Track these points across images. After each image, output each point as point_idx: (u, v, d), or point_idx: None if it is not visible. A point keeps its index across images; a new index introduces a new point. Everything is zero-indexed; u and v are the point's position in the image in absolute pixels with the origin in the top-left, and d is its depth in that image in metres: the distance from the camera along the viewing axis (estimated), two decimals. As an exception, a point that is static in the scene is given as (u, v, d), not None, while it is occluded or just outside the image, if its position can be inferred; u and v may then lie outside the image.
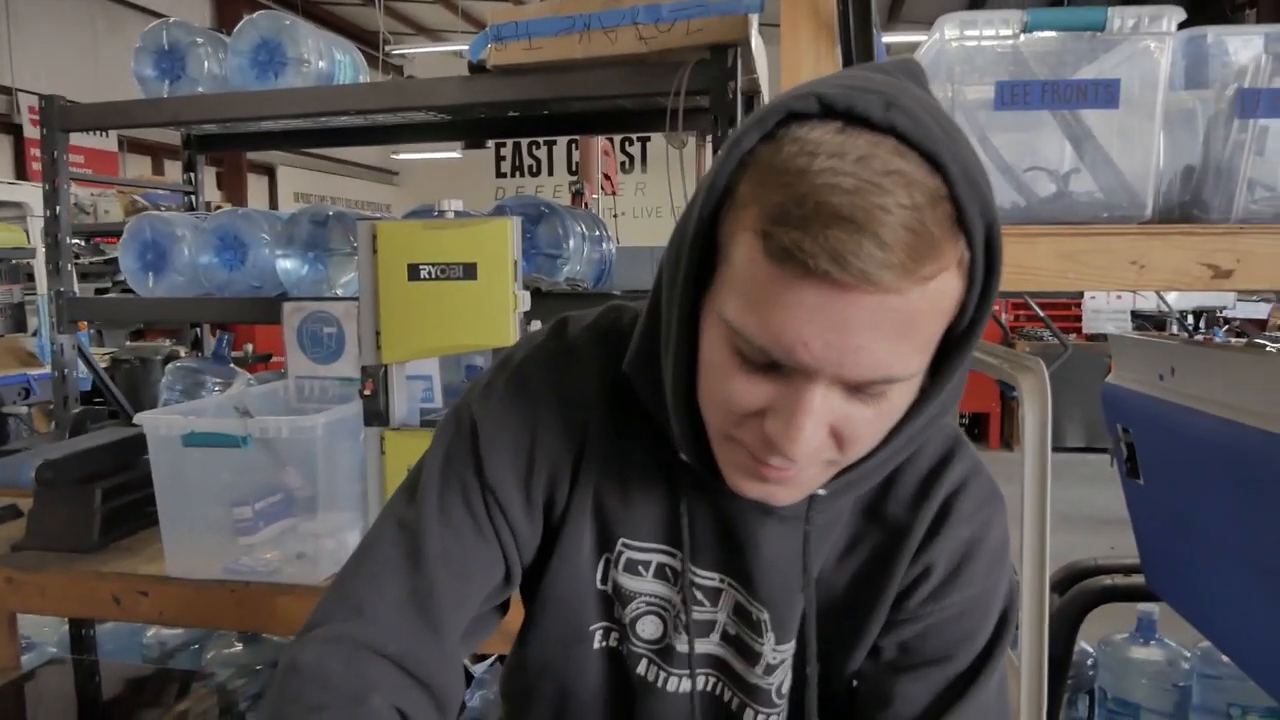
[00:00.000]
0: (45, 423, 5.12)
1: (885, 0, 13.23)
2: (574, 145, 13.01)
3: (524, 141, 17.20)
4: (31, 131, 10.70)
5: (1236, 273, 1.48)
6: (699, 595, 1.09)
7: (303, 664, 0.98)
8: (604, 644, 1.14)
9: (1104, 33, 1.49)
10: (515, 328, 1.94)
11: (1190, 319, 7.71)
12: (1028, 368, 1.64)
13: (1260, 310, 8.05)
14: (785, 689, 1.12)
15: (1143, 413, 2.20)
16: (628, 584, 1.10)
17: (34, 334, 6.36)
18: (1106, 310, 9.08)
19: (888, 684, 1.08)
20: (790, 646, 1.10)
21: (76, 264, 6.47)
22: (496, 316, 1.93)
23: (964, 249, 0.79)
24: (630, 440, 1.07)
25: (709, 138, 2.44)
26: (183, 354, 4.25)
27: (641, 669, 1.13)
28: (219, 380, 3.20)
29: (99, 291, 6.97)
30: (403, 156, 17.90)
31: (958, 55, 1.53)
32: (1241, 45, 1.49)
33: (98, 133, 10.94)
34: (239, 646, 3.03)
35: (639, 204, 14.62)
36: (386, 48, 12.96)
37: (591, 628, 1.13)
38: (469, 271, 1.92)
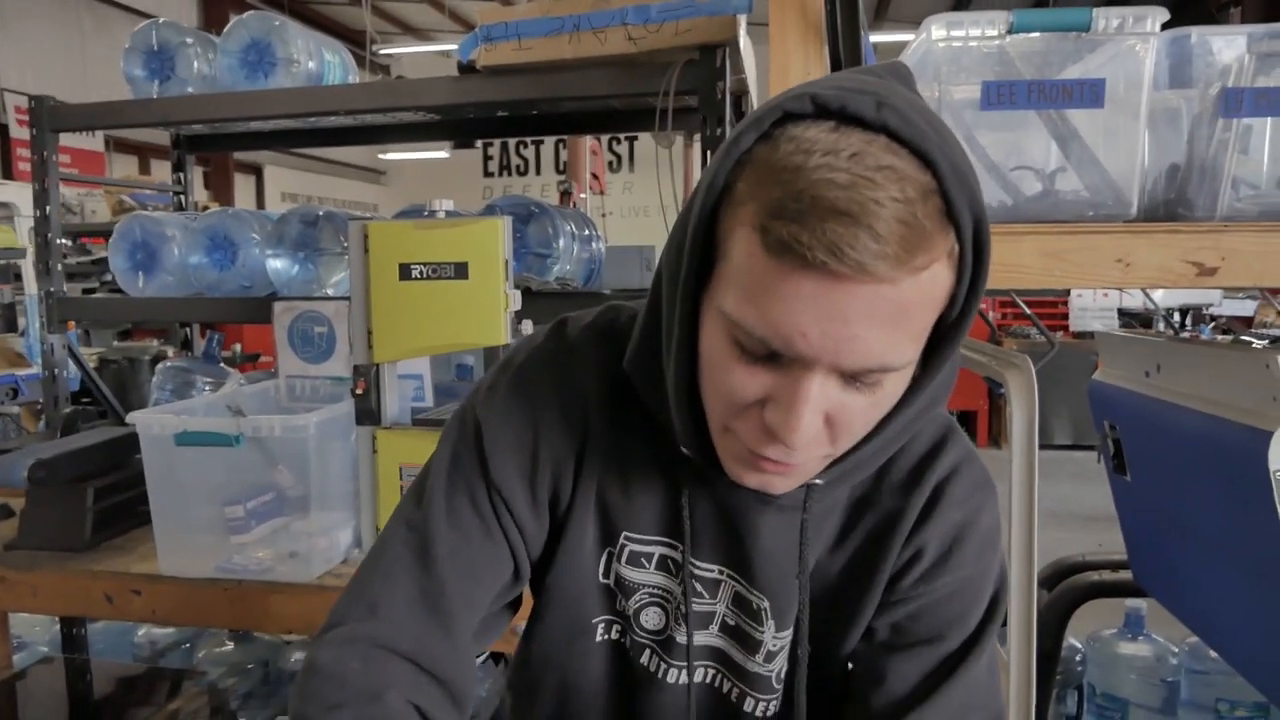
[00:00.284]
0: (33, 422, 5.10)
1: (870, 1, 13.24)
2: (562, 145, 13.02)
3: (512, 141, 17.15)
4: (18, 131, 10.65)
5: (1221, 270, 1.49)
6: (698, 587, 1.11)
7: (321, 664, 1.01)
8: (606, 637, 1.17)
9: (1089, 33, 1.51)
10: (506, 327, 1.95)
11: (1176, 317, 7.72)
12: (1015, 365, 1.66)
13: (1246, 308, 8.07)
14: (783, 674, 1.15)
15: (1129, 409, 2.21)
16: (631, 576, 1.12)
17: (22, 334, 6.34)
18: (1093, 308, 9.09)
19: (881, 663, 1.10)
20: (789, 633, 1.12)
21: (64, 264, 6.45)
22: (488, 316, 1.94)
23: (953, 241, 0.82)
24: (631, 436, 1.09)
25: (697, 137, 2.45)
26: (171, 354, 4.25)
27: (644, 659, 1.16)
28: (209, 380, 3.21)
29: (86, 292, 6.94)
30: (390, 156, 17.84)
31: (944, 55, 1.54)
32: (1225, 45, 1.50)
33: (85, 133, 10.91)
34: (230, 645, 3.03)
35: (626, 203, 14.62)
36: (374, 48, 12.93)
37: (594, 620, 1.15)
38: (460, 271, 1.93)
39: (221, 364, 3.44)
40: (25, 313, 6.44)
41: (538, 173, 17.48)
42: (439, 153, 14.05)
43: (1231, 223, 1.50)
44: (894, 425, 0.94)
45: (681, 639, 1.13)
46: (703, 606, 1.13)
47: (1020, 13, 1.52)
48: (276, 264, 2.82)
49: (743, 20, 2.32)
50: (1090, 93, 1.50)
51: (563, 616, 1.15)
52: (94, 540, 2.23)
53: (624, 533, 1.11)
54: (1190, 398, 1.92)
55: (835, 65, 1.62)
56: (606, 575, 1.13)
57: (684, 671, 1.15)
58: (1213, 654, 2.62)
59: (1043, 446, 1.73)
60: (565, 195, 5.60)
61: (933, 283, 0.82)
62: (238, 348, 6.37)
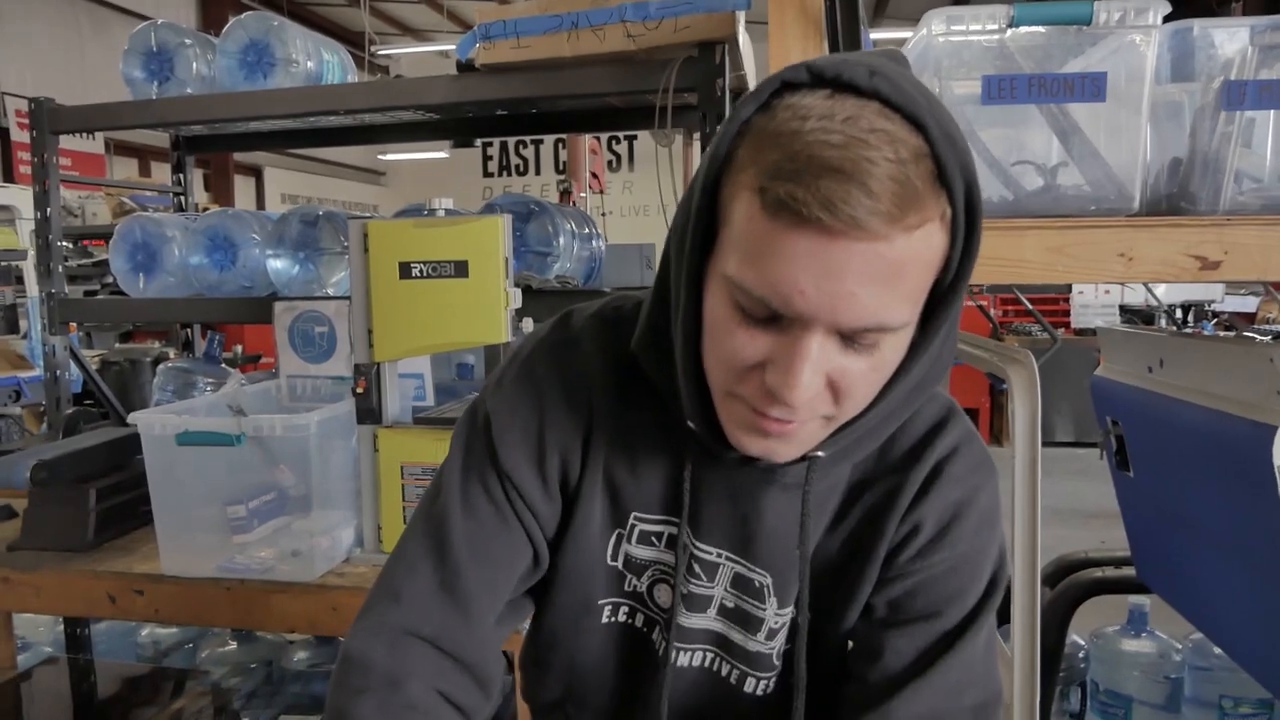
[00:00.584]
0: (36, 424, 5.11)
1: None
2: (561, 144, 13.01)
3: (511, 141, 17.14)
4: (18, 134, 10.63)
5: (1224, 264, 1.49)
6: (696, 568, 1.13)
7: (350, 652, 1.07)
8: (612, 619, 1.18)
9: (1090, 26, 1.50)
10: (507, 325, 1.95)
11: (1179, 313, 7.72)
12: (1017, 361, 1.65)
13: (1248, 304, 8.06)
14: (783, 651, 1.16)
15: (1132, 405, 2.20)
16: (642, 554, 1.15)
17: (24, 336, 6.34)
18: (1095, 305, 9.10)
19: (878, 639, 1.11)
20: (790, 610, 1.13)
21: (65, 266, 6.45)
22: (488, 314, 1.94)
23: (946, 204, 0.85)
24: (637, 417, 1.11)
25: (696, 135, 2.45)
26: (172, 355, 4.25)
27: (656, 636, 1.17)
28: (210, 380, 3.21)
29: (88, 294, 6.94)
30: (390, 157, 17.83)
31: (944, 50, 1.54)
32: (1227, 37, 1.50)
33: (84, 135, 10.90)
34: (233, 645, 3.04)
35: (626, 202, 14.63)
36: (372, 48, 12.92)
37: (600, 601, 1.17)
38: (460, 269, 1.93)
39: (222, 364, 3.44)
40: (27, 315, 6.44)
41: (537, 172, 17.46)
42: (438, 153, 14.04)
43: (1234, 216, 1.50)
44: (895, 393, 0.96)
45: (683, 619, 1.15)
46: (700, 589, 1.14)
47: (1021, 6, 1.51)
48: (277, 264, 2.82)
49: (741, 17, 2.31)
50: (1092, 86, 1.50)
51: (569, 596, 1.17)
52: (96, 540, 2.23)
53: (634, 513, 1.13)
54: (1193, 393, 1.92)
55: (835, 60, 1.62)
56: (615, 558, 1.15)
57: (683, 653, 1.17)
58: (1216, 650, 2.62)
59: (1045, 443, 1.72)
60: (565, 194, 5.60)
61: (926, 243, 0.84)
62: (239, 349, 6.37)
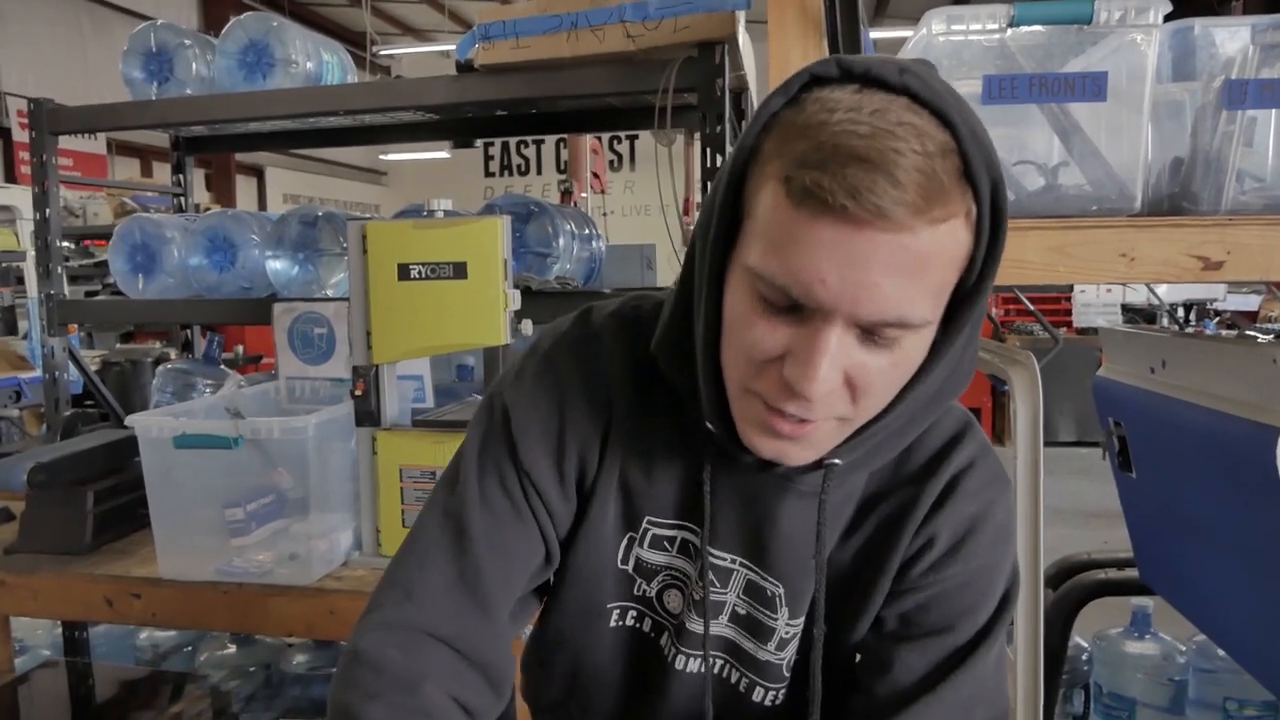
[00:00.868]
0: (36, 426, 5.10)
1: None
2: (562, 144, 12.99)
3: (512, 141, 17.12)
4: (20, 135, 10.65)
5: (1227, 264, 1.48)
6: (710, 574, 1.12)
7: (361, 650, 1.05)
8: (620, 623, 1.18)
9: (1090, 25, 1.49)
10: (506, 326, 1.94)
11: (1181, 312, 7.71)
12: (1018, 361, 1.65)
13: (1251, 303, 8.05)
14: (793, 663, 1.15)
15: (1134, 406, 2.20)
16: (654, 559, 1.14)
17: (24, 337, 6.34)
18: (1096, 304, 9.10)
19: (888, 652, 1.10)
20: (801, 622, 1.13)
21: (66, 267, 6.44)
22: (487, 315, 1.93)
23: (971, 202, 0.85)
24: (654, 420, 1.11)
25: (697, 135, 2.44)
26: (173, 356, 4.24)
27: (664, 641, 1.17)
28: (210, 382, 3.20)
29: (89, 294, 6.95)
30: (391, 157, 17.82)
31: (945, 50, 1.53)
32: (1228, 36, 1.49)
33: (86, 135, 10.90)
34: (232, 648, 3.03)
35: (628, 202, 14.60)
36: (374, 48, 12.92)
37: (608, 605, 1.16)
38: (459, 271, 1.92)
39: (222, 366, 3.44)
40: (27, 316, 6.43)
41: (539, 172, 17.46)
42: (439, 153, 14.04)
43: (1236, 216, 1.49)
44: (912, 398, 0.95)
45: (694, 626, 1.14)
46: (714, 595, 1.13)
47: (1021, 6, 1.50)
48: (276, 265, 2.81)
49: (741, 17, 2.31)
50: (1092, 86, 1.49)
51: (578, 597, 1.16)
52: (94, 543, 2.22)
53: (647, 516, 1.13)
54: (1195, 393, 1.91)
55: (835, 61, 1.61)
56: (625, 561, 1.15)
57: (692, 659, 1.16)
58: (1220, 652, 2.61)
59: (1047, 443, 1.72)
60: (566, 194, 5.59)
61: (951, 240, 0.84)
62: (240, 349, 6.36)
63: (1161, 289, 6.27)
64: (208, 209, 3.87)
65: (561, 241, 2.77)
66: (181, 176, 3.57)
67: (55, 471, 2.20)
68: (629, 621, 1.18)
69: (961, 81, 1.53)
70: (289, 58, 2.83)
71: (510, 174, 17.59)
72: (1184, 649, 2.82)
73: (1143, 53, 1.49)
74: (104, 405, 3.43)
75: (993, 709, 1.10)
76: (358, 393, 2.02)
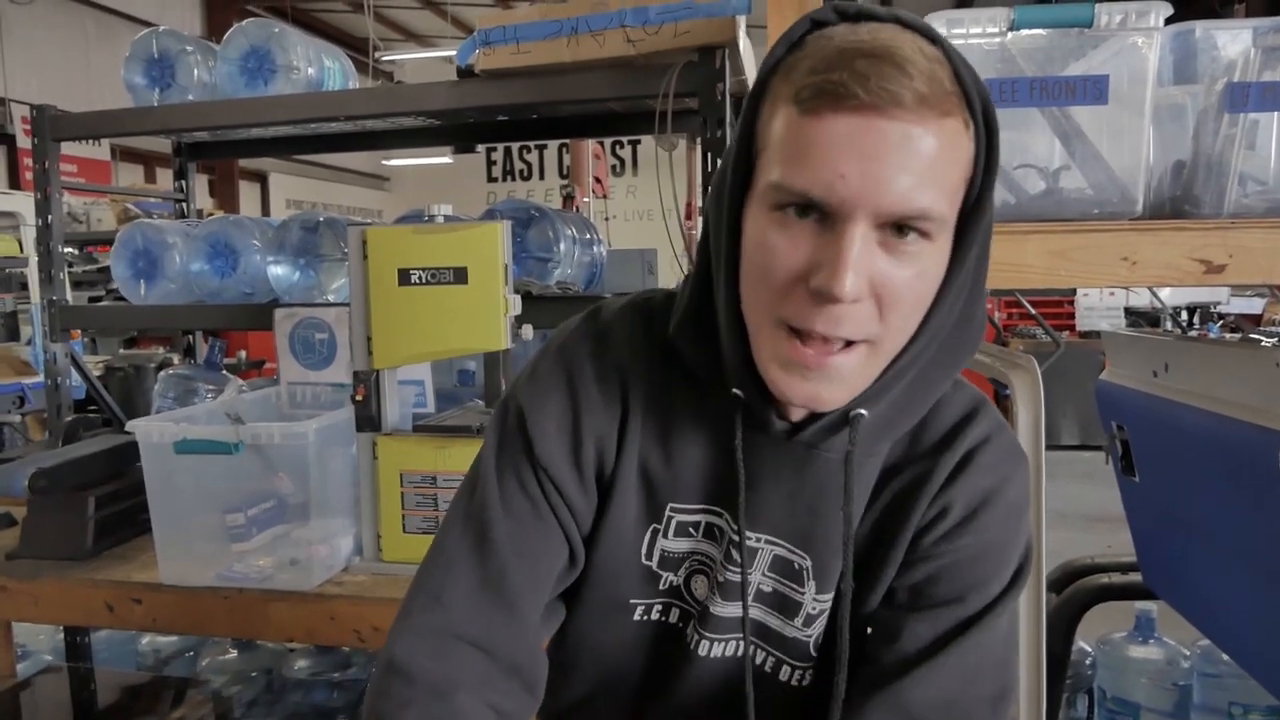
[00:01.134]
0: (40, 431, 5.10)
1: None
2: (565, 149, 13.02)
3: (515, 146, 17.18)
4: (24, 141, 10.67)
5: (1229, 268, 1.48)
6: (735, 554, 1.11)
7: (393, 657, 1.05)
8: (645, 616, 1.18)
9: (1091, 29, 1.49)
10: (506, 332, 1.94)
11: (1184, 315, 7.71)
12: (1020, 366, 1.64)
13: (1255, 305, 8.04)
14: (820, 642, 1.15)
15: (1137, 410, 2.19)
16: (679, 547, 1.14)
17: (28, 343, 6.34)
18: (1100, 307, 9.08)
19: (898, 624, 1.10)
20: (829, 597, 1.12)
21: (70, 272, 6.45)
22: (487, 320, 1.93)
23: (967, 113, 0.90)
24: (672, 407, 1.11)
25: (698, 140, 2.44)
26: (176, 361, 4.25)
27: (690, 629, 1.17)
28: (211, 387, 3.20)
29: (93, 299, 6.96)
30: (394, 162, 17.86)
31: (946, 53, 1.53)
32: (1230, 39, 1.49)
33: (90, 141, 10.92)
34: (234, 653, 3.03)
35: (630, 207, 14.61)
36: (376, 54, 12.94)
37: (632, 600, 1.17)
38: (459, 276, 1.92)
39: (224, 371, 3.44)
40: (31, 321, 6.44)
41: (541, 177, 17.50)
42: (442, 158, 14.07)
43: (1239, 219, 1.49)
44: (932, 328, 0.98)
45: (718, 610, 1.14)
46: (738, 576, 1.13)
47: (1021, 9, 1.50)
48: (277, 270, 2.81)
49: (742, 22, 2.30)
50: (1093, 89, 1.49)
51: (600, 593, 1.17)
52: (95, 549, 2.22)
53: (670, 504, 1.13)
54: (1199, 397, 1.90)
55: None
56: (649, 556, 1.15)
57: (716, 644, 1.16)
58: (1225, 657, 2.60)
59: (1050, 446, 1.71)
60: (568, 199, 5.59)
61: (956, 140, 0.89)
62: (243, 354, 6.36)
63: (1164, 292, 6.27)
64: (211, 214, 3.87)
65: (562, 246, 2.76)
66: (183, 182, 3.57)
67: (56, 477, 2.20)
68: (654, 615, 1.18)
69: (962, 85, 1.53)
70: (290, 64, 2.83)
71: (513, 179, 17.64)
72: (1188, 654, 2.82)
73: (1144, 56, 1.49)
74: (106, 410, 3.43)
75: (998, 683, 1.10)
76: (358, 398, 2.02)
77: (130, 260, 2.96)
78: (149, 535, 2.10)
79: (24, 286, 6.87)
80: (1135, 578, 2.58)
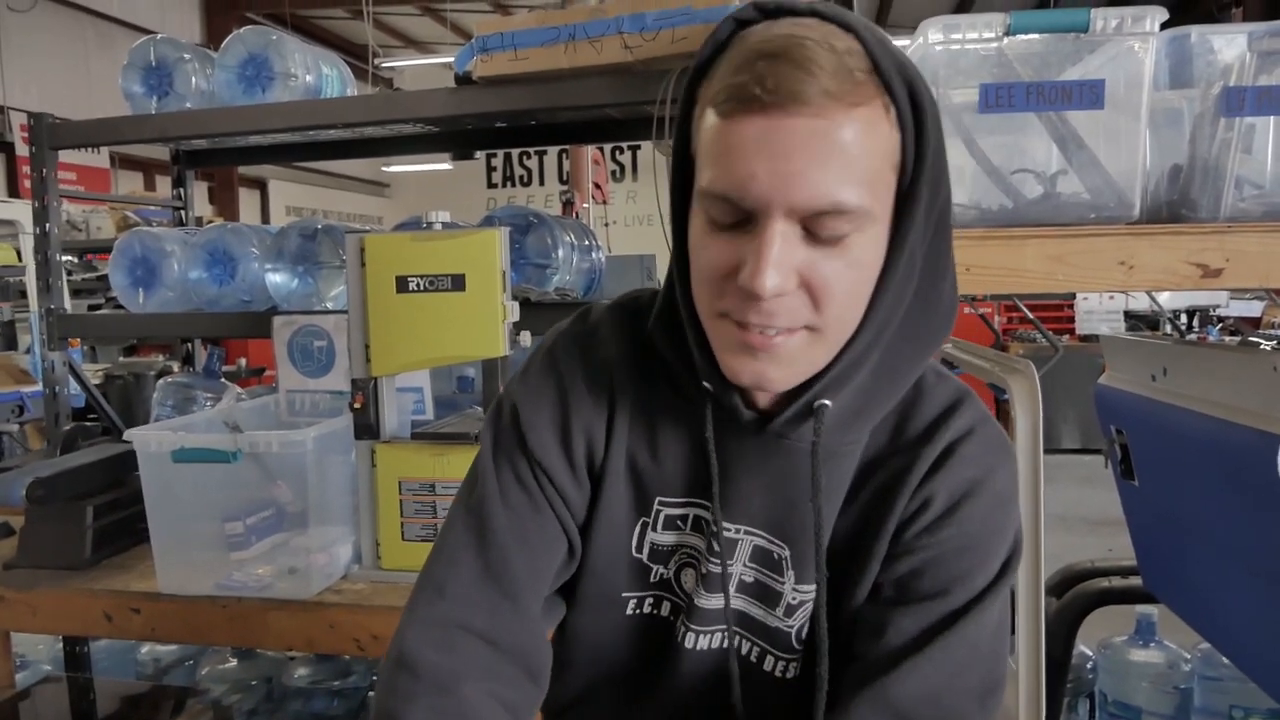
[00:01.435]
0: (39, 440, 5.10)
1: (871, 5, 13.25)
2: (565, 155, 13.03)
3: (514, 152, 17.22)
4: (23, 149, 10.65)
5: (1226, 271, 1.48)
6: (717, 546, 1.12)
7: (400, 651, 1.07)
8: (637, 610, 1.19)
9: (1087, 34, 1.49)
10: (505, 338, 1.94)
11: (1183, 318, 7.71)
12: (1018, 370, 1.64)
13: (1253, 309, 8.04)
14: (804, 634, 1.15)
15: (1136, 413, 2.19)
16: (667, 540, 1.16)
17: (26, 351, 6.34)
18: (1099, 311, 9.09)
19: (883, 618, 1.09)
20: (810, 589, 1.13)
21: (70, 280, 6.46)
22: (486, 327, 1.93)
23: (886, 97, 0.91)
24: (657, 402, 1.14)
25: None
26: (175, 369, 4.25)
27: (679, 622, 1.18)
28: (210, 395, 3.19)
29: (92, 308, 6.96)
30: (394, 169, 17.87)
31: (942, 58, 1.53)
32: (1226, 43, 1.49)
33: (89, 149, 10.92)
34: (234, 662, 3.02)
35: (630, 212, 14.66)
36: (376, 61, 12.95)
37: (624, 594, 1.18)
38: (457, 283, 1.92)
39: (222, 379, 3.43)
40: (29, 330, 6.44)
41: (541, 183, 17.52)
42: (442, 165, 14.09)
43: (1236, 223, 1.49)
44: (882, 307, 0.98)
45: (702, 601, 1.15)
46: (719, 568, 1.14)
47: (1018, 14, 1.50)
48: (276, 278, 2.81)
49: (740, 27, 2.30)
50: (1090, 94, 1.49)
51: (594, 587, 1.18)
52: (93, 558, 2.21)
53: (658, 498, 1.15)
54: (1198, 401, 1.90)
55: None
56: (639, 549, 1.17)
57: (701, 636, 1.17)
58: (1225, 660, 2.60)
59: (1049, 450, 1.71)
60: (568, 205, 5.59)
61: (872, 129, 0.90)
62: (243, 362, 6.36)
63: (1164, 295, 6.27)
64: (210, 221, 3.87)
65: (561, 253, 2.76)
66: (182, 190, 3.57)
67: (54, 486, 2.19)
68: (646, 609, 1.19)
69: (958, 90, 1.54)
70: (288, 71, 2.83)
71: (512, 185, 17.67)
72: (1189, 657, 2.81)
73: (1140, 60, 1.49)
74: (105, 419, 3.43)
75: (987, 677, 1.09)
76: (356, 406, 2.01)
77: (129, 268, 2.96)
78: (147, 544, 2.09)
79: (23, 295, 6.88)
80: (1136, 581, 2.58)
